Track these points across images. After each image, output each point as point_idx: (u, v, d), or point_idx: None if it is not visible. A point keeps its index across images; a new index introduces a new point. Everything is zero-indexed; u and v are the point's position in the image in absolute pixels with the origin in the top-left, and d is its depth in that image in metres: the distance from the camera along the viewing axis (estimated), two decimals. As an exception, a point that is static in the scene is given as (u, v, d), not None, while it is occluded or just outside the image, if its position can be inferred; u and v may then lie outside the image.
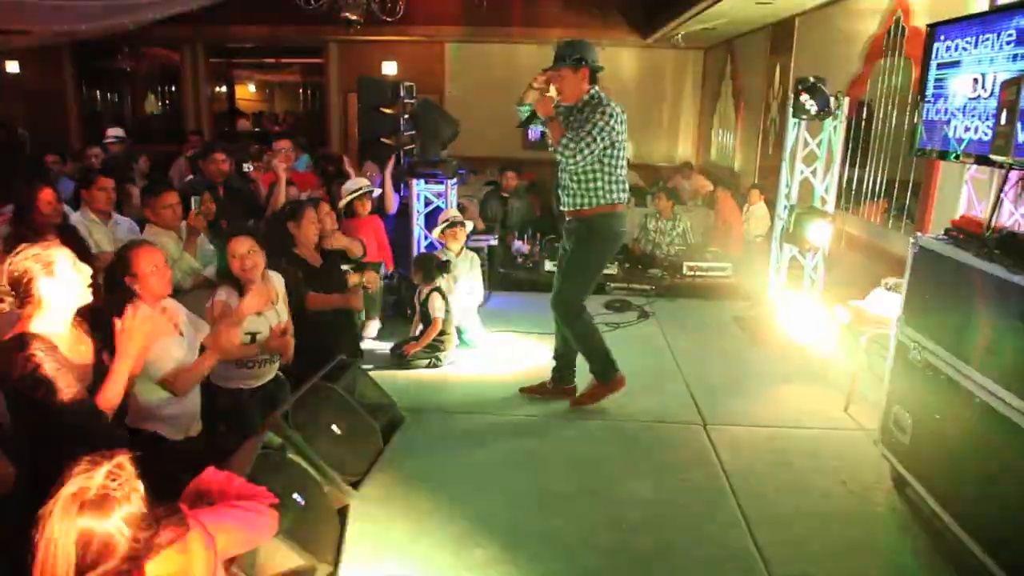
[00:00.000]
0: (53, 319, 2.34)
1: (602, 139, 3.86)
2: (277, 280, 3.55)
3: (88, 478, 1.58)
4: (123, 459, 1.65)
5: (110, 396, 2.35)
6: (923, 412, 3.20)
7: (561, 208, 4.20)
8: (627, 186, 4.11)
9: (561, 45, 4.01)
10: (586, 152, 3.85)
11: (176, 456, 2.82)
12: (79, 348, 2.43)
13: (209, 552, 1.82)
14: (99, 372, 2.42)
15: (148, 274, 2.77)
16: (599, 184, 3.98)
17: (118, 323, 2.40)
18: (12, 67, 13.08)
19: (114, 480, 1.60)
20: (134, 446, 2.06)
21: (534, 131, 4.32)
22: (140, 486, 1.66)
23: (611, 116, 3.86)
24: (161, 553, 1.69)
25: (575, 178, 4.00)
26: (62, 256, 2.34)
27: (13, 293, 2.30)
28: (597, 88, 3.99)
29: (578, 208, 4.04)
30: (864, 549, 3.06)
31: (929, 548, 3.04)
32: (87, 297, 2.40)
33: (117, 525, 1.57)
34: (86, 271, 2.40)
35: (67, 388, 2.24)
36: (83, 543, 1.53)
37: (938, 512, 2.99)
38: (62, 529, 1.53)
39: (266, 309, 3.35)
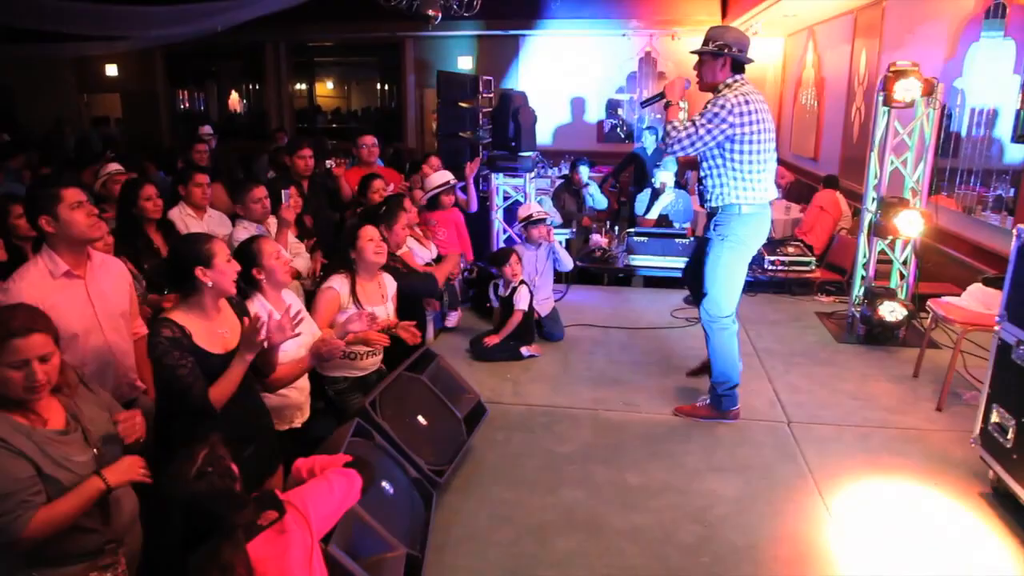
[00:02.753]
0: (200, 308, 2.56)
1: (707, 132, 3.61)
2: (388, 280, 3.67)
3: (188, 460, 1.70)
4: (218, 443, 1.78)
5: (221, 392, 2.50)
6: (1027, 413, 3.06)
7: (701, 204, 4.06)
8: (760, 186, 3.78)
9: (710, 30, 3.81)
10: (685, 143, 3.64)
11: (279, 445, 2.94)
12: (220, 333, 2.61)
13: (305, 533, 1.91)
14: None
15: (273, 266, 2.93)
16: (724, 180, 3.76)
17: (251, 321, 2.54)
18: (111, 70, 13.79)
19: (209, 463, 1.71)
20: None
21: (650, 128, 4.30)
22: (234, 468, 1.77)
23: (722, 107, 3.60)
24: (260, 535, 1.79)
25: (704, 172, 3.85)
26: (220, 249, 2.58)
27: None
28: (738, 78, 3.74)
29: (709, 206, 3.92)
30: (962, 558, 2.95)
31: (1032, 555, 2.90)
32: (231, 289, 2.62)
33: (220, 502, 1.68)
34: (234, 266, 2.61)
35: (186, 376, 2.43)
36: (190, 517, 1.65)
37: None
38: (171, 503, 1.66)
39: (377, 305, 3.48)
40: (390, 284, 3.69)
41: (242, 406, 2.61)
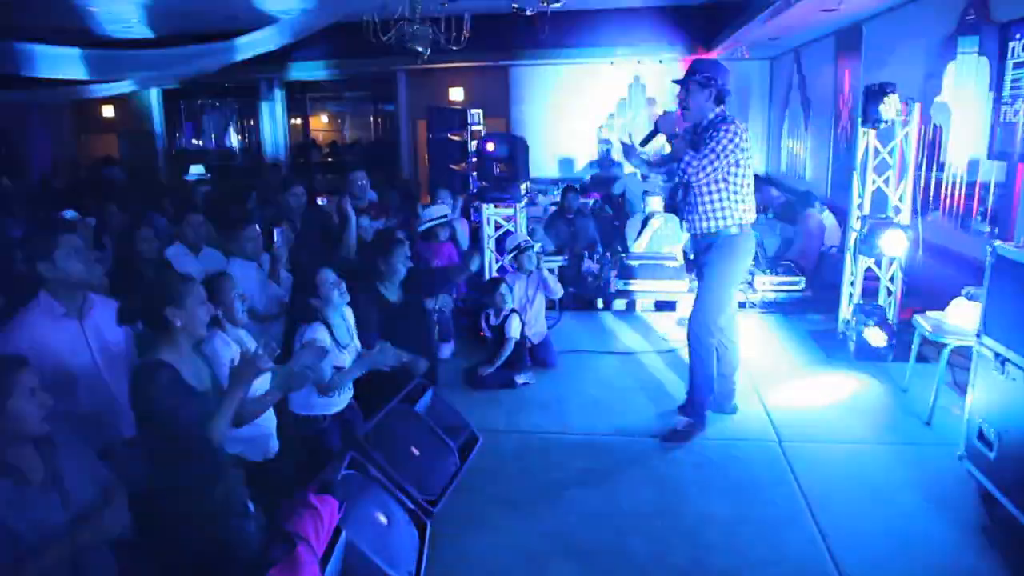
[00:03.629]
0: (178, 348, 2.56)
1: (725, 157, 3.85)
2: (349, 314, 3.74)
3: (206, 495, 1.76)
4: (235, 483, 1.83)
5: (220, 429, 2.49)
6: (1010, 425, 3.11)
7: (688, 230, 4.24)
8: (752, 206, 4.10)
9: (694, 62, 4.08)
10: (708, 169, 3.86)
11: (260, 477, 2.98)
12: (200, 374, 2.63)
13: (313, 565, 1.97)
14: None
15: (229, 304, 3.01)
16: (724, 203, 3.98)
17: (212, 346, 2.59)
18: (108, 111, 13.96)
19: (226, 502, 1.77)
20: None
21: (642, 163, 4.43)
22: (249, 506, 1.82)
23: (735, 134, 3.85)
24: (272, 569, 1.85)
25: (700, 198, 4.01)
26: (192, 290, 2.59)
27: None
28: (724, 109, 4.01)
29: (703, 230, 4.07)
30: (951, 569, 2.99)
31: (1020, 567, 2.94)
32: (202, 331, 2.63)
33: (231, 540, 1.73)
34: (208, 308, 2.64)
35: (190, 416, 2.44)
36: (201, 557, 1.71)
37: (1028, 529, 2.90)
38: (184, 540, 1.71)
39: (348, 342, 3.55)
40: (351, 316, 3.76)
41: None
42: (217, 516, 1.83)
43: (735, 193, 3.98)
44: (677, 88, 4.08)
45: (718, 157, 3.84)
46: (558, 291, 5.59)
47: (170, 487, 2.37)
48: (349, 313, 3.75)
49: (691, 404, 4.26)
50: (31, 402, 1.98)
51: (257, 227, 4.49)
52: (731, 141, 3.83)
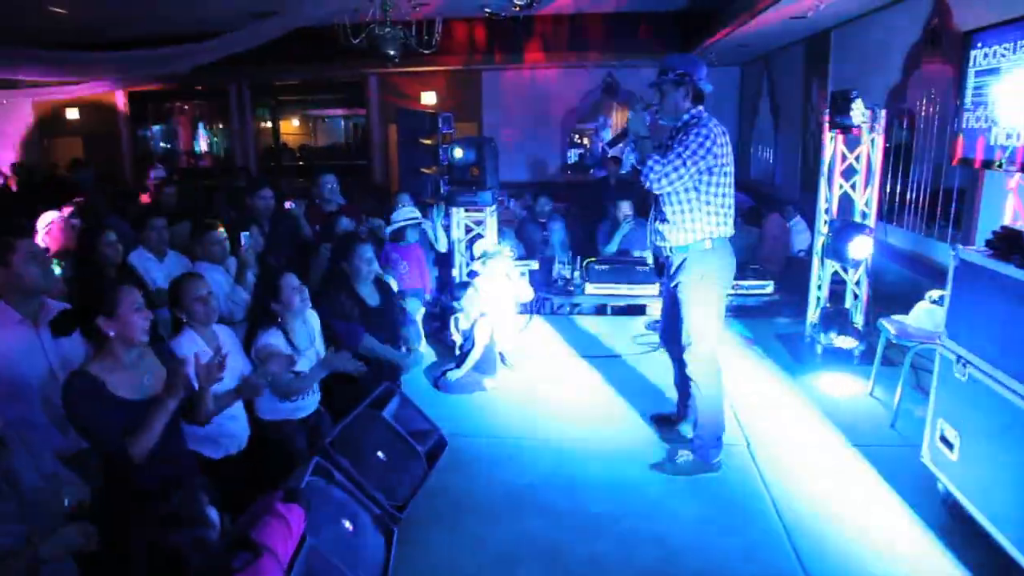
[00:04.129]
0: (114, 357, 2.50)
1: (694, 164, 3.45)
2: (313, 318, 3.70)
3: (161, 502, 1.72)
4: (195, 490, 1.79)
5: (142, 444, 2.42)
6: (970, 427, 3.16)
7: (657, 243, 3.80)
8: (728, 218, 3.67)
9: (666, 58, 3.68)
10: (673, 176, 3.47)
11: (215, 475, 2.94)
12: (141, 380, 2.57)
13: (278, 573, 1.93)
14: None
15: (194, 307, 2.96)
16: (693, 215, 3.59)
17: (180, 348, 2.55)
18: (72, 113, 13.72)
19: (185, 510, 1.73)
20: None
21: (624, 160, 4.00)
22: (213, 514, 1.78)
23: (706, 138, 3.46)
24: None
25: (670, 208, 3.62)
26: (126, 298, 2.53)
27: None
28: (702, 108, 3.63)
29: (670, 244, 3.69)
30: (914, 568, 3.02)
31: (980, 566, 2.98)
32: (138, 339, 2.55)
33: (189, 549, 1.69)
34: (143, 315, 2.56)
35: (102, 430, 2.40)
36: (157, 565, 1.66)
37: (988, 529, 2.94)
38: (138, 552, 1.66)
39: (307, 348, 3.52)
40: (315, 321, 3.73)
41: (168, 453, 2.57)
42: (171, 524, 1.79)
43: (707, 203, 3.57)
44: (654, 92, 3.73)
45: (684, 164, 3.45)
46: (527, 295, 5.58)
47: (120, 496, 2.34)
48: (313, 317, 3.70)
49: (697, 440, 3.85)
50: None
51: (223, 231, 4.42)
52: (701, 145, 3.45)
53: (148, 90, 13.18)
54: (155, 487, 2.27)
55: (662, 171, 3.48)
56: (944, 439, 3.31)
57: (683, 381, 3.96)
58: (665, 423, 4.30)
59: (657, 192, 3.59)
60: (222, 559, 1.93)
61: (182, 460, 2.76)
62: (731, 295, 6.50)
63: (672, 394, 4.35)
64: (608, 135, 12.26)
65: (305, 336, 3.58)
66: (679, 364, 3.93)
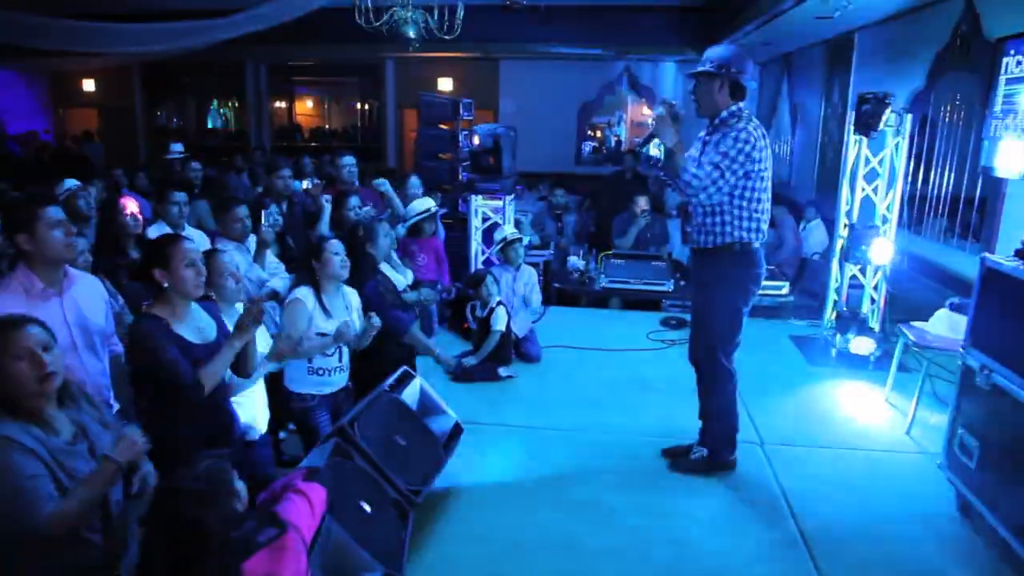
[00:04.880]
0: (172, 306, 2.70)
1: (732, 173, 3.33)
2: (353, 293, 3.69)
3: (190, 475, 1.72)
4: (224, 460, 1.79)
5: (211, 375, 2.62)
6: (990, 436, 3.14)
7: (688, 243, 3.67)
8: (763, 223, 3.52)
9: (707, 49, 3.52)
10: (712, 190, 3.34)
11: (238, 457, 2.95)
12: (197, 327, 2.75)
13: (300, 549, 1.93)
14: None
15: (184, 275, 2.96)
16: (727, 218, 3.45)
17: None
18: (88, 85, 13.71)
19: (212, 480, 1.72)
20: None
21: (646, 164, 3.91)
22: (240, 487, 1.78)
23: (745, 142, 3.31)
24: (259, 553, 1.81)
25: (701, 209, 3.50)
26: (177, 252, 2.70)
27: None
28: (742, 105, 3.47)
29: (702, 245, 3.56)
30: (928, 574, 3.01)
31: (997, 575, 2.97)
32: (192, 293, 2.73)
33: (214, 521, 1.69)
34: (197, 270, 2.73)
35: (175, 360, 2.56)
36: (180, 535, 1.66)
37: (1006, 537, 2.93)
38: (161, 521, 1.66)
39: (342, 317, 3.50)
40: (355, 297, 3.71)
41: (216, 406, 2.75)
42: (196, 492, 1.80)
43: (740, 208, 3.43)
44: (686, 83, 3.70)
45: (723, 175, 3.31)
46: (536, 303, 5.58)
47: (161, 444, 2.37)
48: (352, 294, 3.69)
49: (706, 436, 3.82)
50: (23, 363, 2.02)
51: (245, 209, 4.41)
52: (740, 151, 3.30)
53: (164, 65, 13.16)
54: (198, 442, 2.40)
55: (700, 185, 3.33)
56: (963, 446, 3.29)
57: (703, 389, 3.82)
58: (679, 455, 3.96)
59: (698, 201, 3.43)
60: (248, 532, 1.92)
61: (223, 419, 2.86)
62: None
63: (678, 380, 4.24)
64: (623, 132, 12.22)
65: (341, 305, 3.56)
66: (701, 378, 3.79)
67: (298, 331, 3.33)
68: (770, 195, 3.55)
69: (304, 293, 3.45)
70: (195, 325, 2.75)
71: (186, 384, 2.57)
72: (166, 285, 2.66)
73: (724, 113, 3.45)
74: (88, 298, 3.01)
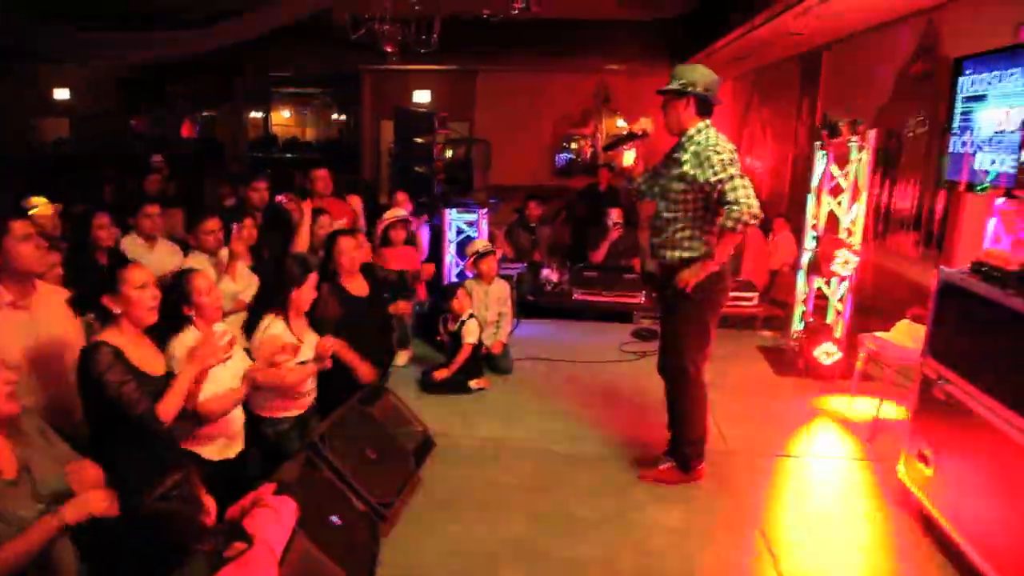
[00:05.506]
0: (123, 334, 2.63)
1: (737, 170, 3.35)
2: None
3: (158, 488, 1.73)
4: (192, 475, 1.81)
5: (169, 407, 2.57)
6: (947, 445, 3.23)
7: (656, 258, 3.72)
8: None
9: (675, 68, 3.58)
10: (751, 200, 3.28)
11: (212, 476, 2.94)
12: (151, 361, 2.69)
13: (270, 563, 1.95)
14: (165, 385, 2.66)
15: (203, 303, 2.97)
16: (696, 232, 3.52)
17: (184, 344, 2.66)
18: (61, 94, 13.55)
19: (179, 495, 1.74)
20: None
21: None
22: (207, 501, 1.80)
23: (733, 153, 3.40)
24: (227, 566, 1.83)
25: (674, 224, 3.55)
26: (131, 277, 2.65)
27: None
28: (708, 123, 3.52)
29: (670, 260, 3.60)
30: (887, 581, 3.09)
31: (953, 582, 3.05)
32: (145, 319, 2.66)
33: (179, 536, 1.71)
34: (149, 293, 2.67)
35: (132, 392, 2.50)
36: (146, 551, 1.68)
37: (962, 546, 3.01)
38: (126, 537, 1.67)
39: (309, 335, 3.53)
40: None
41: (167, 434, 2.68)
42: (165, 503, 1.80)
43: (707, 222, 3.51)
44: (653, 99, 3.62)
45: (742, 182, 3.31)
46: (509, 314, 5.64)
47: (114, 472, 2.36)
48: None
49: (675, 447, 3.86)
50: None
51: (217, 220, 4.42)
52: (734, 161, 3.37)
53: (139, 73, 13.07)
54: (153, 469, 2.31)
55: (748, 204, 3.27)
56: (921, 455, 3.38)
57: (671, 400, 3.87)
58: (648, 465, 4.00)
59: (754, 223, 3.34)
60: (215, 544, 1.94)
61: (175, 446, 2.81)
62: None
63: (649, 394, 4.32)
64: (598, 144, 12.34)
65: (307, 328, 3.59)
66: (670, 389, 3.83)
67: (266, 359, 3.33)
68: None
69: (276, 324, 3.44)
70: (144, 354, 2.69)
71: (145, 420, 2.50)
72: (118, 312, 2.61)
73: (691, 130, 3.52)
74: (58, 311, 3.02)
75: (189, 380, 2.62)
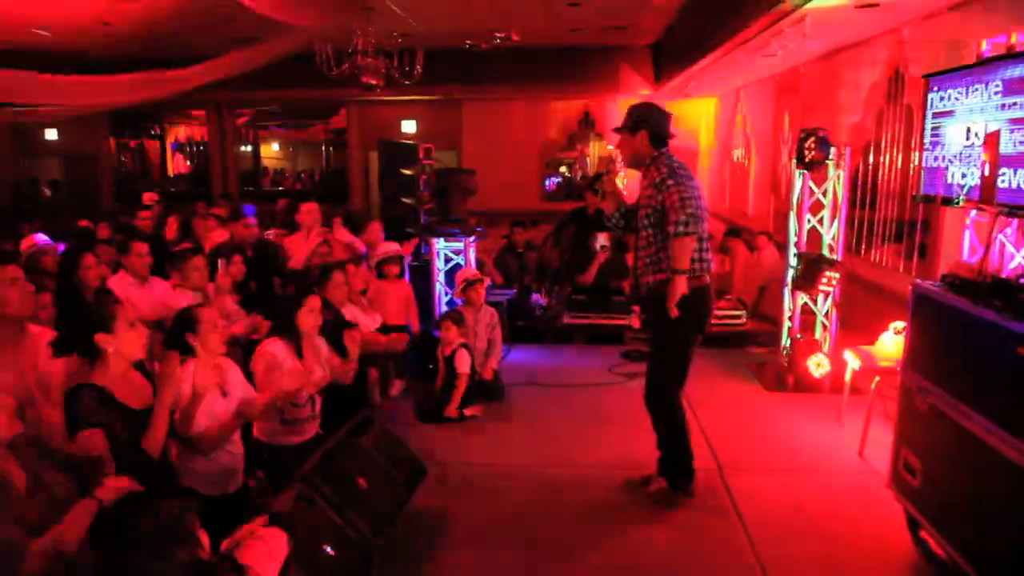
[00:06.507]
0: (111, 371, 2.63)
1: (694, 202, 3.55)
2: (321, 341, 3.76)
3: (152, 521, 1.77)
4: (187, 508, 1.84)
5: (152, 440, 2.59)
6: (931, 455, 3.27)
7: (636, 287, 3.88)
8: (705, 253, 3.71)
9: (629, 108, 3.85)
10: (701, 218, 3.57)
11: (210, 513, 2.96)
12: (139, 395, 2.70)
13: None
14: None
15: (208, 333, 3.01)
16: (660, 254, 3.67)
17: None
18: (51, 134, 13.65)
19: (172, 527, 1.78)
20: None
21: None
22: (201, 534, 1.83)
23: (689, 175, 3.63)
24: None
25: (650, 249, 3.72)
26: (122, 314, 2.67)
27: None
28: (664, 151, 3.75)
29: (655, 283, 3.71)
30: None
31: (942, 591, 3.08)
32: (136, 354, 2.69)
33: (175, 568, 1.74)
34: (140, 331, 2.70)
35: (117, 433, 2.51)
36: None
37: (951, 555, 3.04)
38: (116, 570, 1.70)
39: (316, 366, 3.56)
40: (323, 346, 3.79)
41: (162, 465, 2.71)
42: (157, 538, 1.83)
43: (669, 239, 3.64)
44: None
45: (696, 199, 3.56)
46: (500, 341, 5.68)
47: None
48: (321, 341, 3.76)
49: (664, 466, 3.93)
50: None
51: (203, 258, 4.47)
52: (692, 182, 3.61)
53: (129, 111, 13.20)
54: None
55: (691, 215, 3.52)
56: (907, 466, 3.42)
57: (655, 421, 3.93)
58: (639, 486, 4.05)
59: (694, 233, 3.56)
60: None
61: (167, 477, 2.84)
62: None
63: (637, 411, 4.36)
64: (585, 168, 12.48)
65: (313, 355, 3.63)
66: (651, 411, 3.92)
67: (263, 383, 3.37)
68: (707, 233, 3.76)
69: (275, 345, 3.49)
70: (133, 389, 2.71)
71: (134, 459, 2.51)
72: (111, 351, 2.62)
73: (648, 160, 3.78)
74: (48, 352, 3.05)
75: (165, 408, 2.64)
